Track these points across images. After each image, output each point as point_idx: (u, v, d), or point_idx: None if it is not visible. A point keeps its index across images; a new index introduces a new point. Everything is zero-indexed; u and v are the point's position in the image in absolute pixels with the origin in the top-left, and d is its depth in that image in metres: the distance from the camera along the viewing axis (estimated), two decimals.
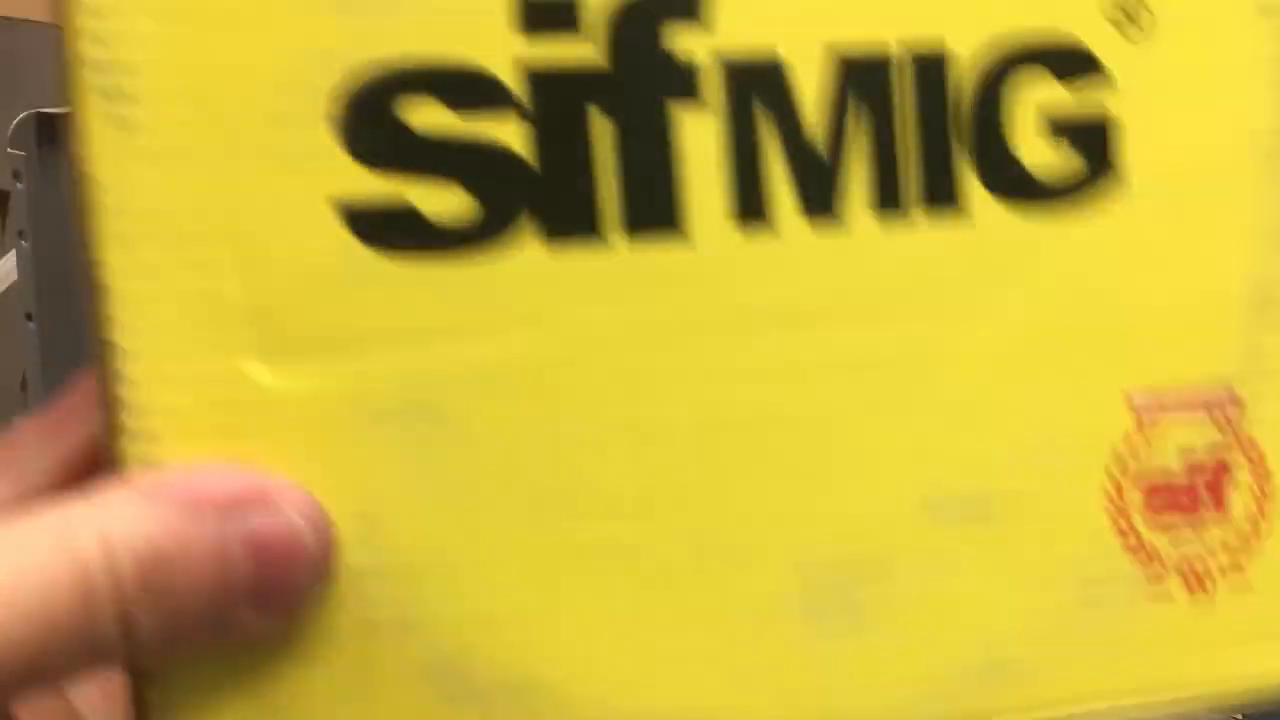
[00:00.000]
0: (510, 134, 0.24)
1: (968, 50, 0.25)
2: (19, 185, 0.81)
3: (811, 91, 0.25)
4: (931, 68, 0.25)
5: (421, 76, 0.23)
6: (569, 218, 0.24)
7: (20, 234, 0.82)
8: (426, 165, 0.23)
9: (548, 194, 0.24)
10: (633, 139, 0.24)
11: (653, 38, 0.24)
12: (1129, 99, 0.26)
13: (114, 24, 0.22)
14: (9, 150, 0.81)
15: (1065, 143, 0.26)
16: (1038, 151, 0.26)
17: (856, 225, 0.25)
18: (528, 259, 0.24)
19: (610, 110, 0.24)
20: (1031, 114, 0.26)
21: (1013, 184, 0.26)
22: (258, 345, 0.23)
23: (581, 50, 0.24)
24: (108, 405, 0.23)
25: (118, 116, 0.22)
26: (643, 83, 0.24)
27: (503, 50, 0.24)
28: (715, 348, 0.25)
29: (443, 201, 0.23)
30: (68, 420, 0.26)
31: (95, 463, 0.25)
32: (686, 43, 0.24)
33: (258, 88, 0.23)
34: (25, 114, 0.81)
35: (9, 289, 0.94)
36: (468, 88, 0.23)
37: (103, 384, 0.23)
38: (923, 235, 0.25)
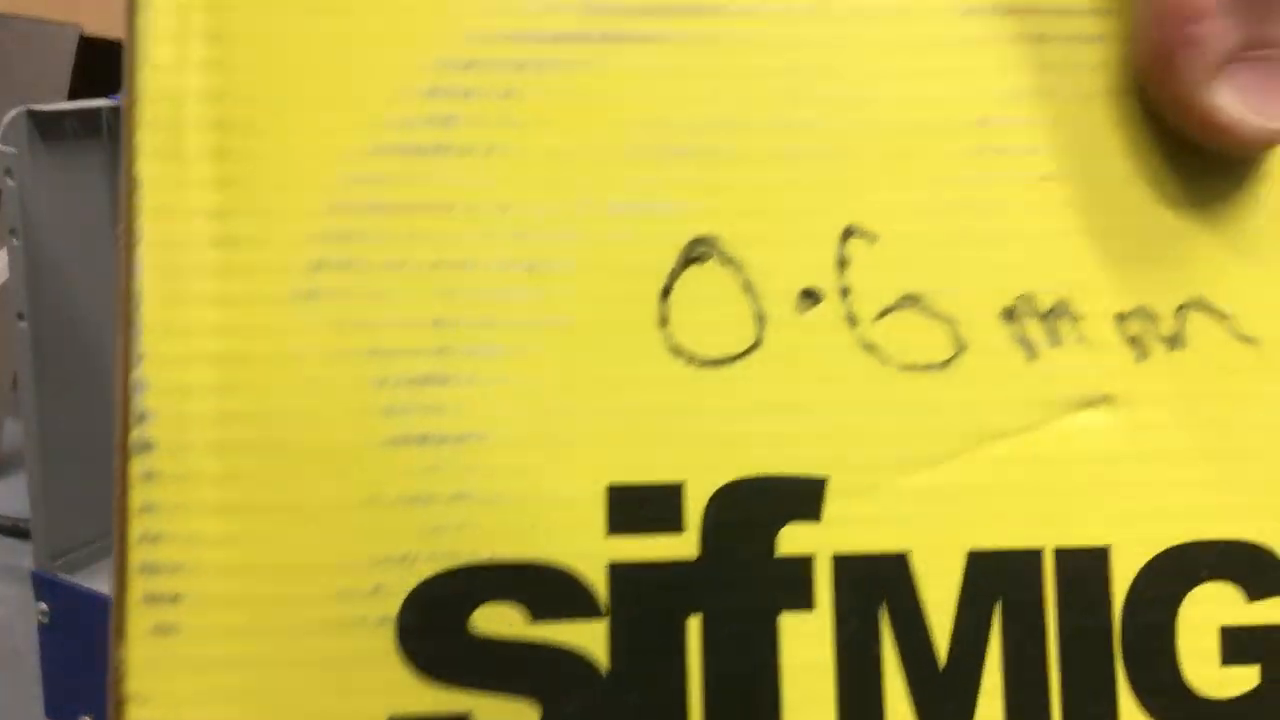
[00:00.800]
0: (592, 640, 0.21)
1: (1138, 562, 0.22)
2: (10, 182, 0.80)
3: (943, 594, 0.22)
4: (1091, 579, 0.22)
5: (505, 581, 0.21)
6: None
7: (12, 232, 0.81)
8: (498, 678, 0.21)
9: (626, 708, 0.21)
10: (728, 647, 0.22)
11: (761, 537, 0.22)
12: None
13: (169, 524, 0.21)
14: (0, 147, 0.80)
15: (1245, 663, 0.23)
16: (1210, 671, 0.23)
17: None
18: None
19: (706, 616, 0.22)
20: (1211, 635, 0.23)
21: (1174, 703, 0.23)
22: None
23: (679, 549, 0.22)
24: None
25: (161, 623, 0.20)
26: (745, 585, 0.22)
27: (596, 550, 0.21)
28: None
29: (509, 715, 0.21)
30: None
31: None
32: (800, 542, 0.22)
33: (318, 592, 0.21)
34: (16, 110, 0.80)
35: (0, 287, 0.93)
36: (554, 594, 0.21)
37: None
38: None
